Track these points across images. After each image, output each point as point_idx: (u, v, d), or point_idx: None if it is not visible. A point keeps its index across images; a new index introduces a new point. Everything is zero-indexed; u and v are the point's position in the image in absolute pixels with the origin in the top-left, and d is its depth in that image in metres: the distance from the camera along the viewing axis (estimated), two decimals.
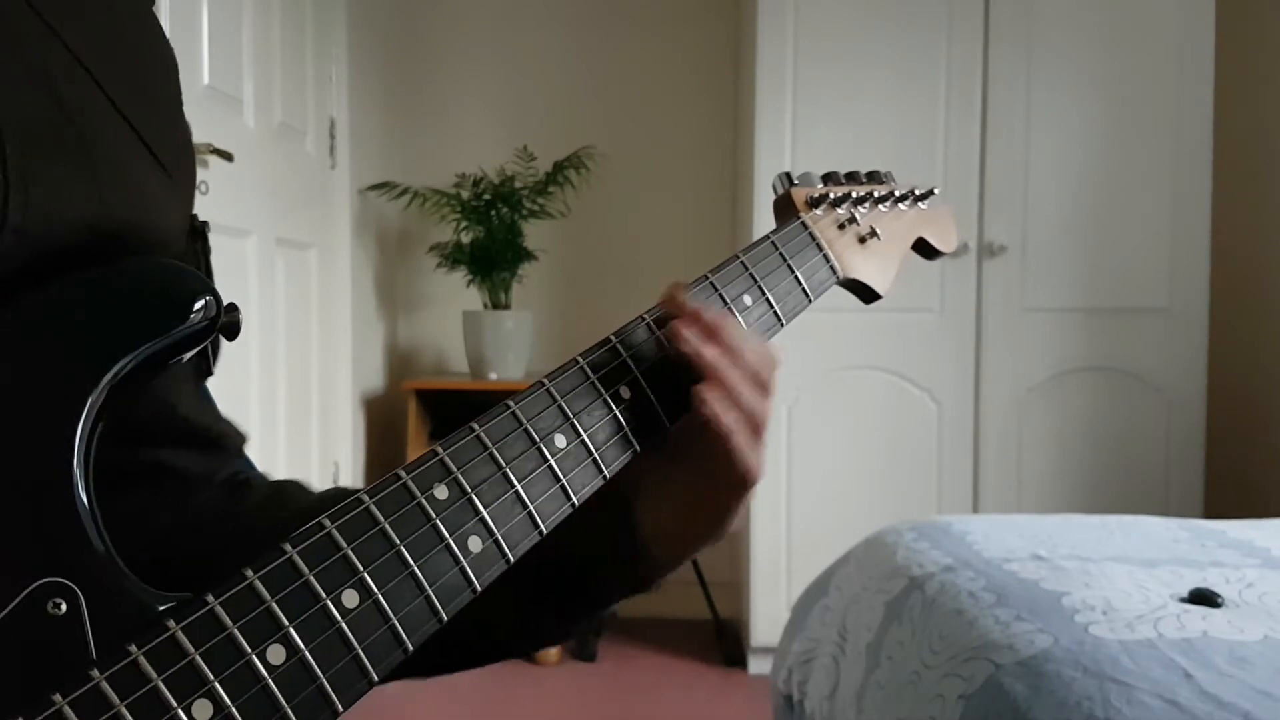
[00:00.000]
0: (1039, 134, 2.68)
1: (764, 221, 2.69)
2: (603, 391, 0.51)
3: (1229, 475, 2.85)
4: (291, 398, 2.27)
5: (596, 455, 0.50)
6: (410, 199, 3.03)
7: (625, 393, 0.52)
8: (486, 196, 2.97)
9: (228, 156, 1.84)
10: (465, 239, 2.97)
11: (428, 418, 2.93)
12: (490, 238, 2.94)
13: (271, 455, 2.14)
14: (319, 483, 2.27)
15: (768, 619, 2.65)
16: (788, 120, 2.68)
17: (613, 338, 0.53)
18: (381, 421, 3.04)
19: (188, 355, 0.42)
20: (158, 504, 0.53)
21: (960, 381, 2.71)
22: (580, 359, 0.51)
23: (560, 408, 0.49)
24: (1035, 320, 2.70)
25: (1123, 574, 1.35)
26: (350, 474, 2.73)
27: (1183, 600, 1.25)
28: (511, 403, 0.48)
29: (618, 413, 0.51)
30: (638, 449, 0.52)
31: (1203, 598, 1.24)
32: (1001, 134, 2.68)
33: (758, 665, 2.72)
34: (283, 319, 2.23)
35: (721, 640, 2.92)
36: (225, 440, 0.58)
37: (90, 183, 0.43)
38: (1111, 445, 2.72)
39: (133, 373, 0.39)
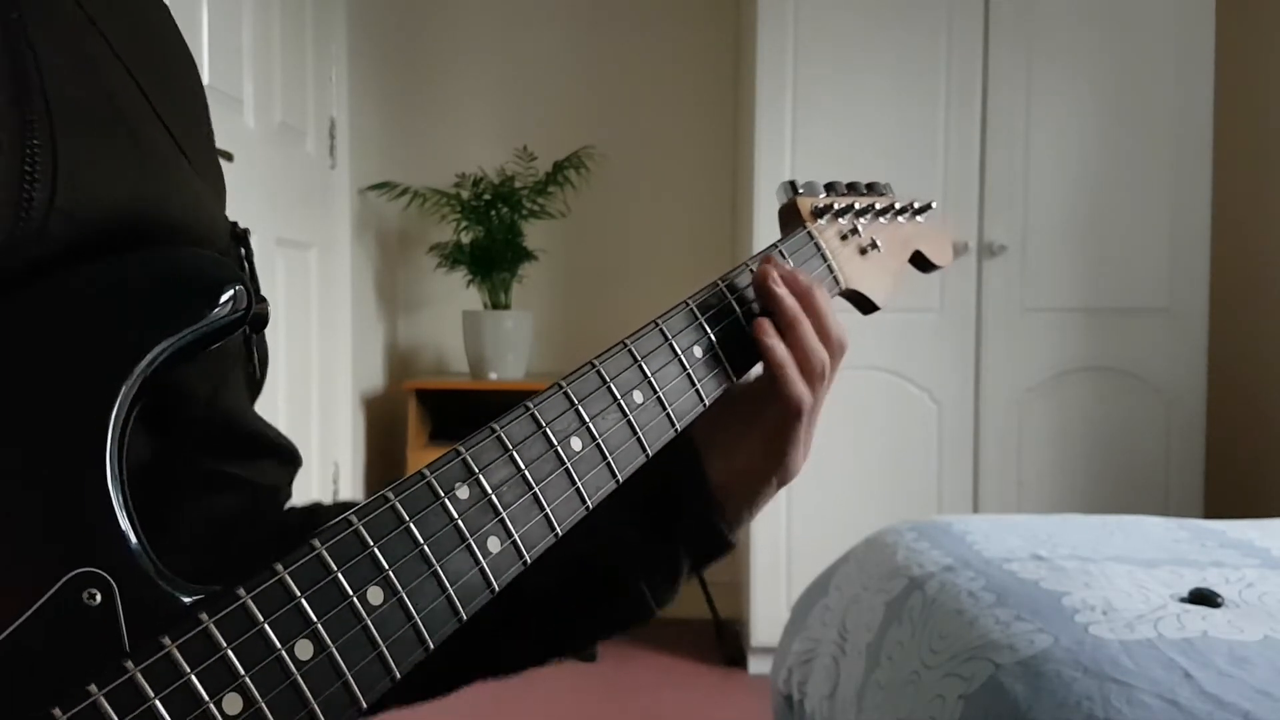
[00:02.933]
0: (1039, 134, 2.68)
1: (764, 222, 2.69)
2: (617, 396, 0.52)
3: (1229, 475, 2.85)
4: (291, 397, 2.27)
5: (610, 459, 0.51)
6: (410, 199, 3.03)
7: (638, 397, 0.53)
8: (486, 196, 2.97)
9: (228, 156, 1.84)
10: (465, 239, 2.97)
11: (428, 418, 2.93)
12: (490, 238, 2.94)
13: None
14: (318, 482, 2.27)
15: (768, 619, 2.65)
16: (788, 120, 2.68)
17: (626, 341, 0.54)
18: (381, 421, 3.04)
19: (216, 345, 0.42)
20: (234, 514, 0.54)
21: (960, 381, 2.71)
22: (596, 362, 0.52)
23: (577, 411, 0.50)
24: (1035, 320, 2.70)
25: (1123, 574, 1.35)
26: (350, 474, 2.73)
27: (1183, 600, 1.25)
28: (530, 404, 0.49)
29: (632, 418, 0.53)
30: (649, 454, 0.53)
31: (1203, 598, 1.24)
32: (1001, 134, 2.68)
33: (758, 665, 2.72)
34: (283, 319, 2.23)
35: (721, 640, 2.92)
36: (293, 456, 0.60)
37: (137, 172, 0.43)
38: (1111, 445, 2.72)
39: (164, 362, 0.39)
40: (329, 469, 2.55)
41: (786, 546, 2.71)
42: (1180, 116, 2.69)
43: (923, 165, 2.66)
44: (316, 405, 2.47)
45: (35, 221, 0.38)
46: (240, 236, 0.52)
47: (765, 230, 2.68)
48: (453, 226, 2.99)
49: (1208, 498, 2.74)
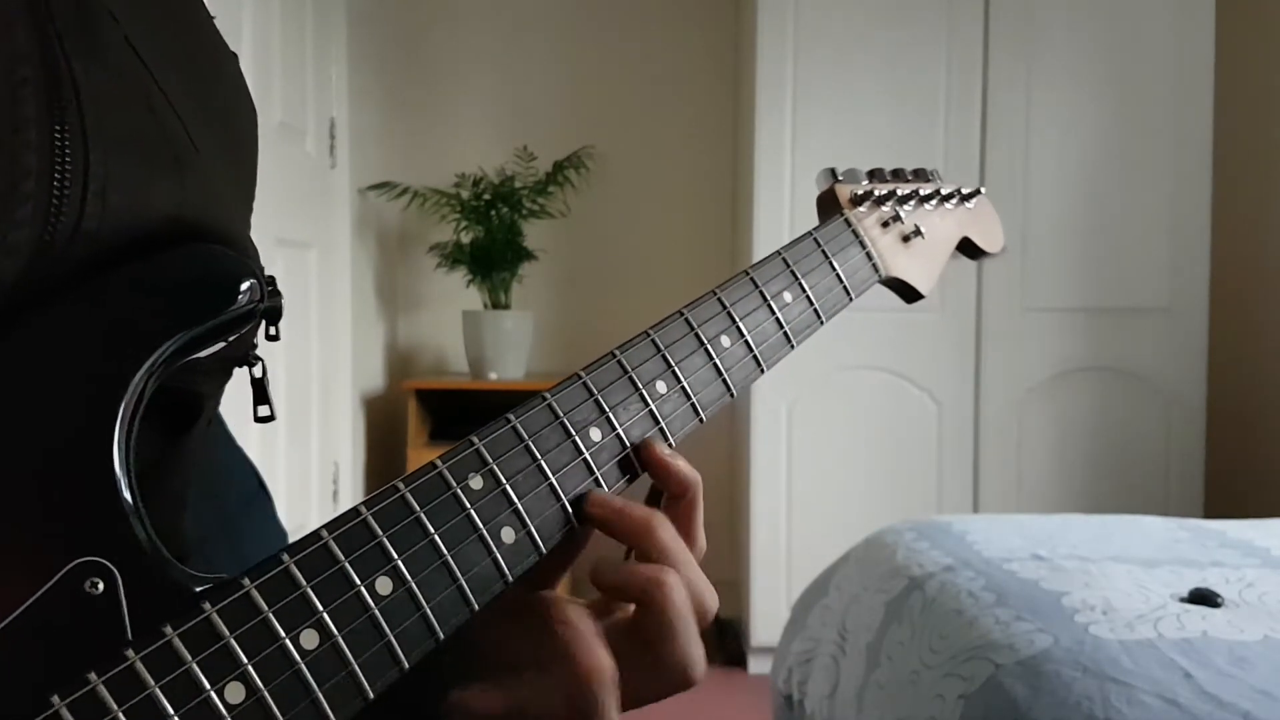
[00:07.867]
0: (1039, 134, 2.68)
1: (764, 221, 2.69)
2: (639, 385, 0.51)
3: (1229, 475, 2.85)
4: (291, 398, 2.27)
5: (630, 451, 0.50)
6: (410, 199, 3.04)
7: (661, 387, 0.52)
8: (486, 196, 2.97)
9: None
10: (465, 239, 2.98)
11: (428, 418, 2.93)
12: (490, 238, 2.94)
13: (271, 455, 2.14)
14: (318, 482, 2.28)
15: (768, 619, 2.65)
16: (788, 120, 2.68)
17: (650, 331, 0.53)
18: (381, 421, 3.04)
19: (233, 337, 0.42)
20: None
21: (960, 381, 2.71)
22: (617, 352, 0.51)
23: (596, 401, 0.49)
24: (1035, 320, 2.70)
25: (1123, 574, 1.35)
26: (350, 474, 2.73)
27: (1183, 600, 1.25)
28: (548, 394, 0.48)
29: (654, 408, 0.51)
30: (671, 444, 0.52)
31: (1203, 598, 1.24)
32: (1001, 134, 2.68)
33: (758, 665, 2.72)
34: (283, 319, 2.23)
35: (721, 640, 2.92)
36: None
37: (178, 191, 0.42)
38: (1111, 445, 2.72)
39: (176, 355, 0.39)
40: (329, 469, 2.55)
41: (786, 546, 2.71)
42: (1180, 116, 2.69)
43: (922, 165, 2.65)
44: (316, 405, 2.47)
45: (59, 245, 0.38)
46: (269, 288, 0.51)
47: (765, 229, 2.68)
48: (453, 226, 2.99)
49: (1208, 498, 2.74)
